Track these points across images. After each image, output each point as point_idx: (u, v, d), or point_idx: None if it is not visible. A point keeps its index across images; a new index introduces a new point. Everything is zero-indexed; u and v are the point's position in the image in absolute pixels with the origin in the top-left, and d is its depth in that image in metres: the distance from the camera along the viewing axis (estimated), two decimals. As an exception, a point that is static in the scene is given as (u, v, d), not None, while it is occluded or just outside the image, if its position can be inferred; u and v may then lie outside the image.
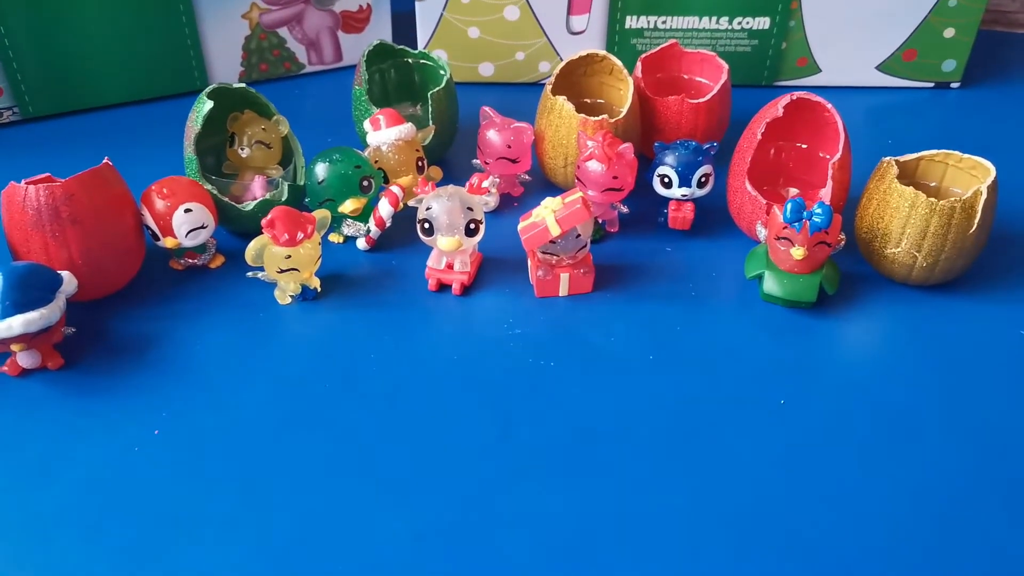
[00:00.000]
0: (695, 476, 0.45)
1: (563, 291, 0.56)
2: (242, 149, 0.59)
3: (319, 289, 0.55)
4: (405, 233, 0.60)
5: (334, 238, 0.59)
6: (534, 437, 0.47)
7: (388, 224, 0.58)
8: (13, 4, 0.65)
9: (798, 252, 0.52)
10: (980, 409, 0.48)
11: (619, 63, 0.62)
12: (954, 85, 0.76)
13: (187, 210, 0.54)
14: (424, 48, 0.69)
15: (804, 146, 0.60)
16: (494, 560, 0.41)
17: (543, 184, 0.65)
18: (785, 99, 0.56)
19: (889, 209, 0.53)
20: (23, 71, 0.68)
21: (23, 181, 0.50)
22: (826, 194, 0.55)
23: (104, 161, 0.52)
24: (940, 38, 0.73)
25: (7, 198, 0.51)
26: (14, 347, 0.48)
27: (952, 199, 0.51)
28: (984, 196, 0.51)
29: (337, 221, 0.59)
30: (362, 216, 0.58)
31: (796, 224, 0.52)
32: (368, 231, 0.58)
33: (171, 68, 0.73)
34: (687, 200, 0.59)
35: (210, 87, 0.58)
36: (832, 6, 0.71)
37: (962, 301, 0.55)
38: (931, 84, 0.76)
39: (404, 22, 0.79)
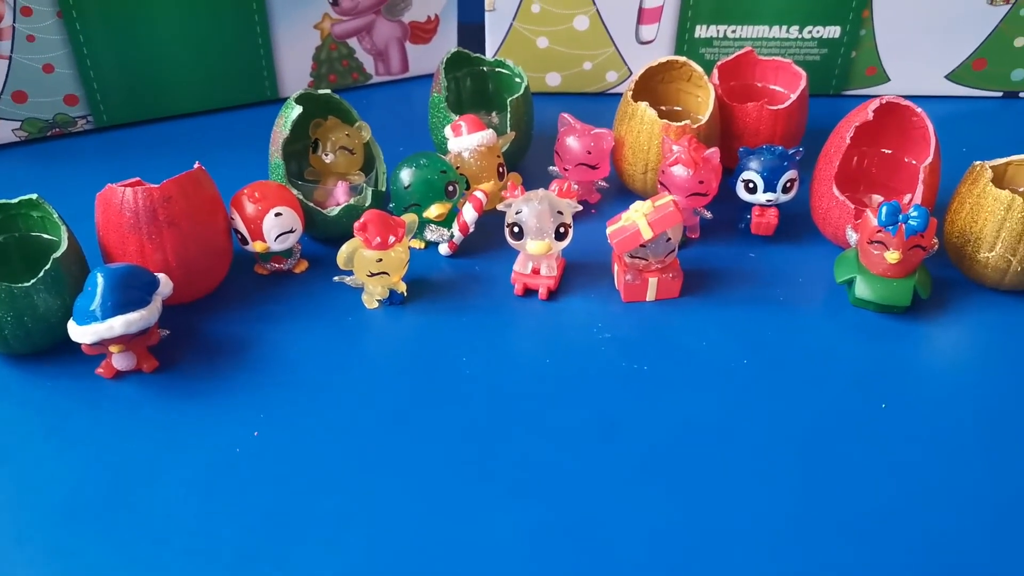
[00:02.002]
0: (799, 480, 0.45)
1: (651, 296, 0.55)
2: (326, 155, 0.59)
3: (405, 294, 0.55)
4: (486, 238, 0.60)
5: (416, 244, 0.59)
6: (632, 439, 0.47)
7: (472, 229, 0.58)
8: (90, 14, 0.66)
9: (893, 256, 0.52)
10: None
11: (699, 69, 0.62)
12: (1023, 95, 0.76)
13: (277, 214, 0.54)
14: (494, 58, 0.69)
15: (889, 151, 0.60)
16: (602, 564, 0.41)
17: (620, 191, 0.64)
18: (875, 103, 0.56)
19: (984, 212, 0.53)
20: (99, 80, 0.69)
21: (118, 184, 0.51)
22: (916, 199, 0.55)
23: (196, 165, 0.53)
24: (1010, 47, 0.73)
25: (104, 200, 0.51)
26: (112, 348, 0.48)
27: (1050, 202, 0.51)
28: (1082, 199, 0.51)
29: (419, 227, 0.59)
30: (445, 221, 0.58)
31: (892, 227, 0.51)
32: (452, 236, 0.58)
33: (243, 78, 0.73)
34: (772, 205, 0.58)
35: (297, 93, 0.58)
36: (903, 15, 0.71)
37: (1056, 306, 0.55)
38: (1000, 93, 0.76)
39: (470, 33, 0.79)
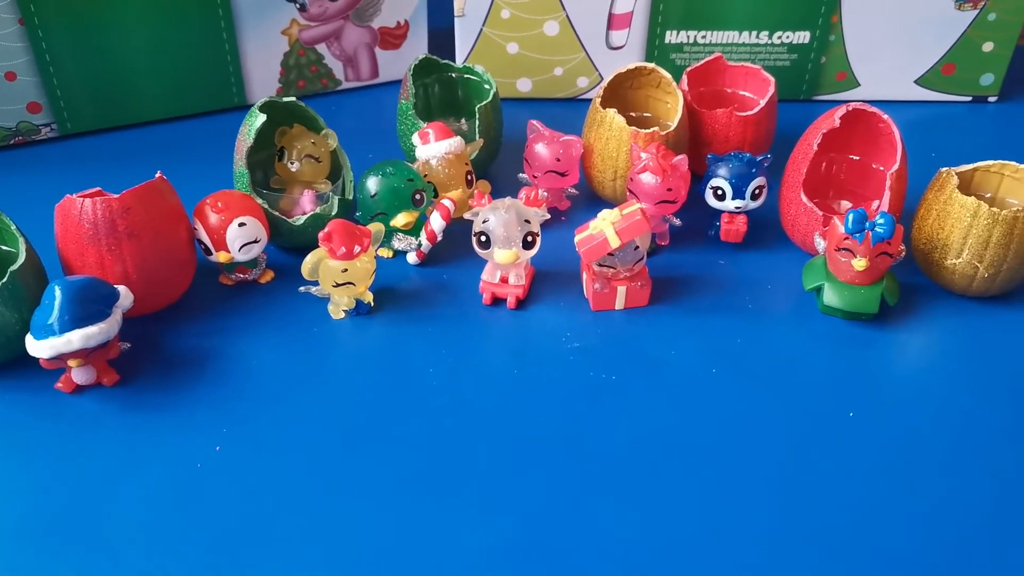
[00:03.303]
0: (768, 488, 0.44)
1: (619, 304, 0.55)
2: (291, 163, 0.58)
3: (372, 303, 0.55)
4: (454, 247, 0.59)
5: (384, 252, 0.59)
6: (600, 450, 0.46)
7: (440, 238, 0.58)
8: (53, 21, 0.65)
9: (860, 263, 0.52)
10: (1052, 420, 0.48)
11: (667, 75, 0.62)
12: (992, 99, 0.76)
13: (241, 224, 0.53)
14: (463, 64, 0.68)
15: (857, 158, 0.60)
16: (560, 566, 0.40)
17: (590, 198, 0.64)
18: (841, 110, 0.56)
19: (950, 219, 0.53)
20: (62, 87, 0.68)
21: (77, 195, 0.50)
22: (883, 205, 0.55)
23: (158, 175, 0.52)
24: (979, 52, 0.73)
25: (62, 211, 0.50)
26: (71, 362, 0.47)
27: (1015, 209, 0.51)
28: (1047, 205, 0.51)
29: (386, 235, 0.58)
30: (413, 230, 0.58)
31: (858, 235, 0.51)
32: (419, 245, 0.58)
33: (210, 85, 0.72)
34: (740, 212, 0.58)
35: (261, 100, 0.57)
36: (872, 21, 0.71)
37: (1022, 312, 0.55)
38: (969, 98, 0.76)
39: (440, 39, 0.79)
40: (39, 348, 0.46)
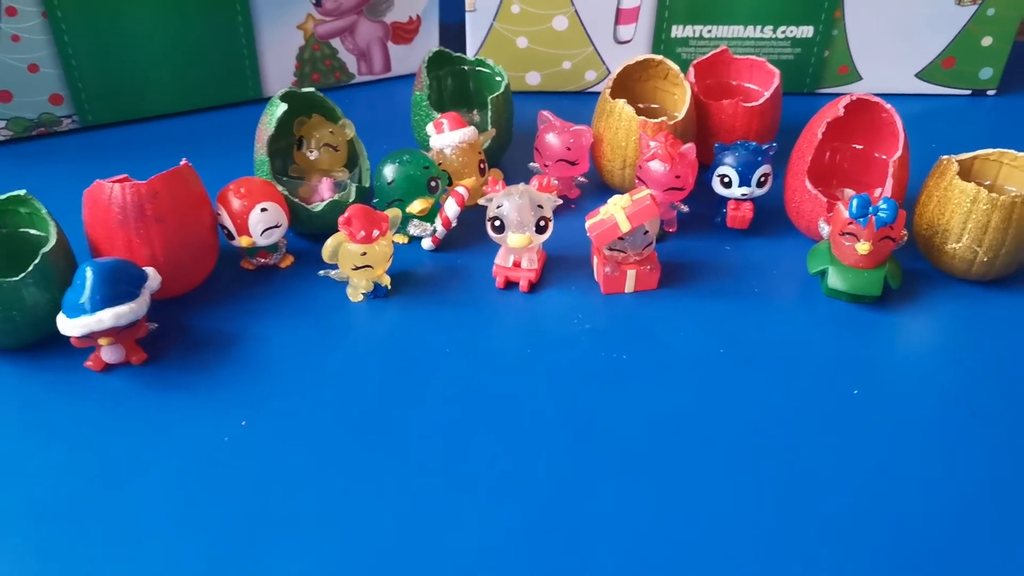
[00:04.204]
0: (775, 467, 0.46)
1: (629, 287, 0.57)
2: (310, 152, 0.60)
3: (389, 287, 0.56)
4: (468, 233, 0.61)
5: (399, 239, 0.61)
6: (611, 429, 0.48)
7: (454, 224, 0.59)
8: (74, 14, 0.66)
9: (863, 247, 0.53)
10: (1049, 397, 0.50)
11: (675, 67, 0.63)
12: (991, 92, 0.78)
13: (263, 209, 0.55)
14: (475, 57, 0.70)
15: (860, 147, 0.62)
16: (575, 557, 0.42)
17: (599, 187, 0.66)
18: (845, 99, 0.57)
19: (950, 205, 0.54)
20: (83, 79, 0.70)
21: (106, 180, 0.51)
22: (885, 192, 0.56)
23: (183, 162, 0.53)
24: (978, 46, 0.75)
25: (91, 196, 0.52)
26: (101, 341, 0.49)
27: (1014, 194, 0.53)
28: (1044, 191, 0.53)
29: (403, 221, 0.60)
30: (428, 216, 0.59)
31: (862, 219, 0.53)
32: (434, 231, 0.59)
33: (227, 78, 0.74)
34: (746, 199, 0.60)
35: (282, 91, 0.59)
36: (874, 15, 0.73)
37: (1020, 296, 0.57)
38: (968, 91, 0.78)
39: (451, 33, 0.80)
40: (71, 326, 0.48)
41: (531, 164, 0.65)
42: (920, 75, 0.77)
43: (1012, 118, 0.76)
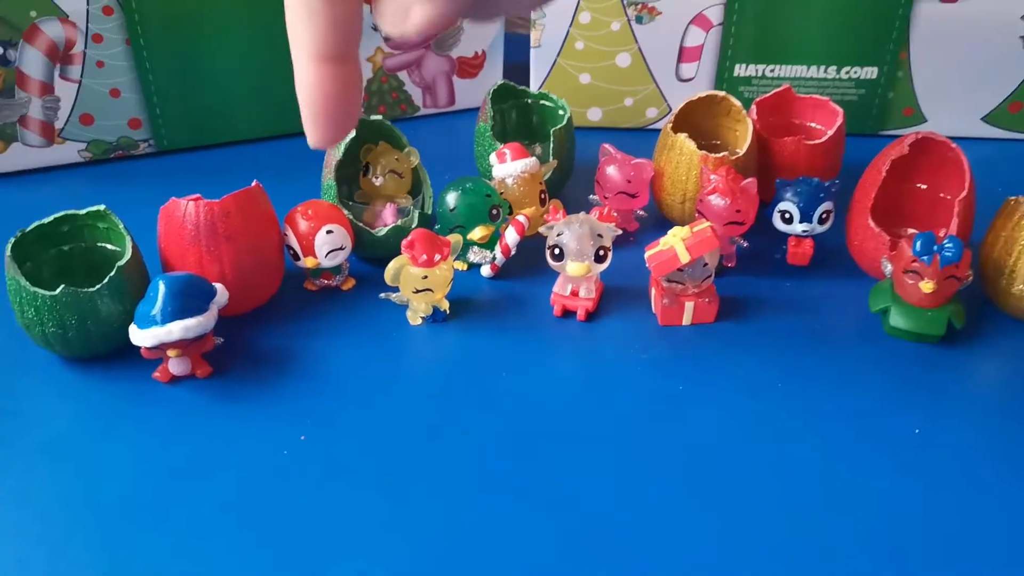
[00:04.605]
0: (834, 501, 0.45)
1: (687, 319, 0.57)
2: (376, 178, 0.62)
3: (448, 311, 0.57)
4: (527, 263, 0.62)
5: (459, 265, 0.61)
6: (668, 458, 0.48)
7: (513, 252, 0.60)
8: (156, 42, 0.70)
9: (927, 286, 0.53)
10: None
11: (738, 103, 0.64)
12: (1059, 137, 0.77)
13: (329, 231, 0.56)
14: (538, 91, 0.71)
15: (924, 187, 0.61)
16: (629, 570, 0.42)
17: (659, 221, 0.66)
18: (911, 137, 0.57)
19: (1017, 246, 0.53)
20: (161, 105, 0.72)
21: (182, 199, 0.53)
22: (950, 231, 0.56)
23: (254, 183, 0.55)
24: (1047, 90, 0.74)
25: (166, 213, 0.54)
26: (170, 352, 0.50)
27: (1084, 236, 0.52)
28: (1116, 233, 0.52)
29: (464, 248, 0.61)
30: (488, 244, 0.60)
31: (926, 257, 0.52)
32: (494, 258, 0.60)
33: (297, 107, 0.76)
34: (807, 236, 0.60)
35: (351, 118, 0.60)
36: (940, 57, 0.72)
37: (1091, 341, 0.55)
38: (1037, 136, 0.77)
39: (515, 70, 0.82)
40: (142, 337, 0.49)
41: (591, 196, 0.65)
42: (987, 119, 0.76)
43: (1082, 164, 0.75)
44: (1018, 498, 0.45)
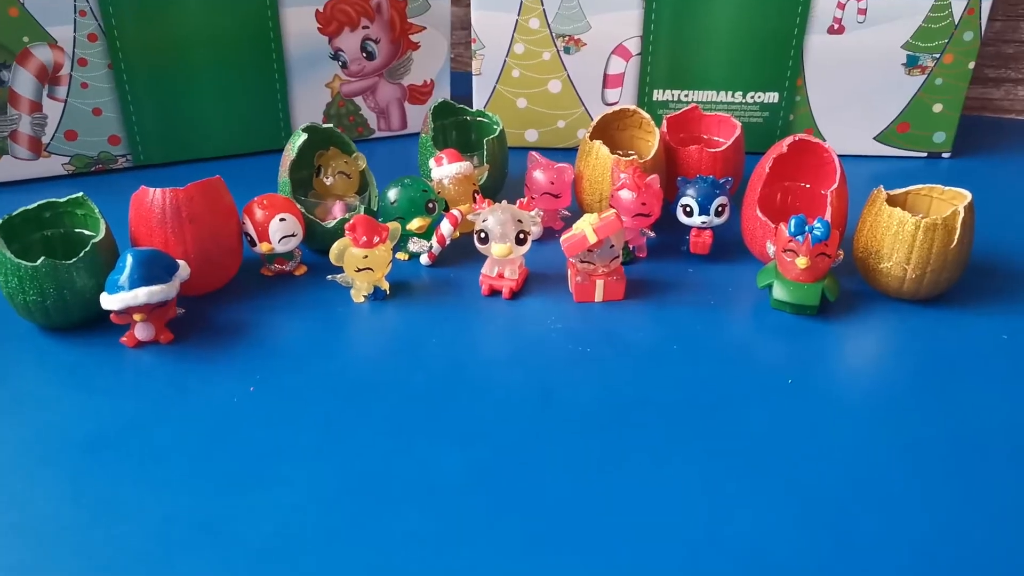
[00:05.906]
0: (714, 441, 0.52)
1: (598, 296, 0.64)
2: (327, 178, 0.69)
3: (388, 291, 0.64)
4: (461, 254, 0.69)
5: (400, 256, 0.69)
6: (570, 403, 0.54)
7: (448, 242, 0.68)
8: (136, 66, 0.78)
9: (802, 261, 0.60)
10: (961, 399, 0.55)
11: (648, 116, 0.73)
12: (945, 155, 0.86)
13: (282, 219, 0.64)
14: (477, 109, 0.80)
15: (807, 185, 0.70)
16: (535, 495, 0.48)
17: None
18: (789, 139, 0.66)
19: (880, 229, 0.62)
20: (139, 123, 0.80)
21: (152, 188, 0.61)
22: (824, 217, 0.64)
23: (216, 176, 0.63)
24: (930, 112, 0.83)
25: (137, 200, 0.61)
26: (136, 316, 0.57)
27: (934, 217, 0.60)
28: (962, 215, 0.60)
29: (403, 241, 0.69)
30: (425, 234, 0.68)
31: (799, 236, 0.60)
32: (431, 247, 0.68)
33: (263, 128, 0.85)
34: (706, 227, 0.68)
35: (305, 124, 0.69)
36: (832, 83, 0.82)
37: (948, 312, 0.63)
38: (924, 154, 0.86)
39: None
40: (111, 301, 0.56)
41: (520, 199, 0.73)
42: (878, 138, 0.85)
43: (966, 178, 0.84)
44: (875, 441, 0.52)
